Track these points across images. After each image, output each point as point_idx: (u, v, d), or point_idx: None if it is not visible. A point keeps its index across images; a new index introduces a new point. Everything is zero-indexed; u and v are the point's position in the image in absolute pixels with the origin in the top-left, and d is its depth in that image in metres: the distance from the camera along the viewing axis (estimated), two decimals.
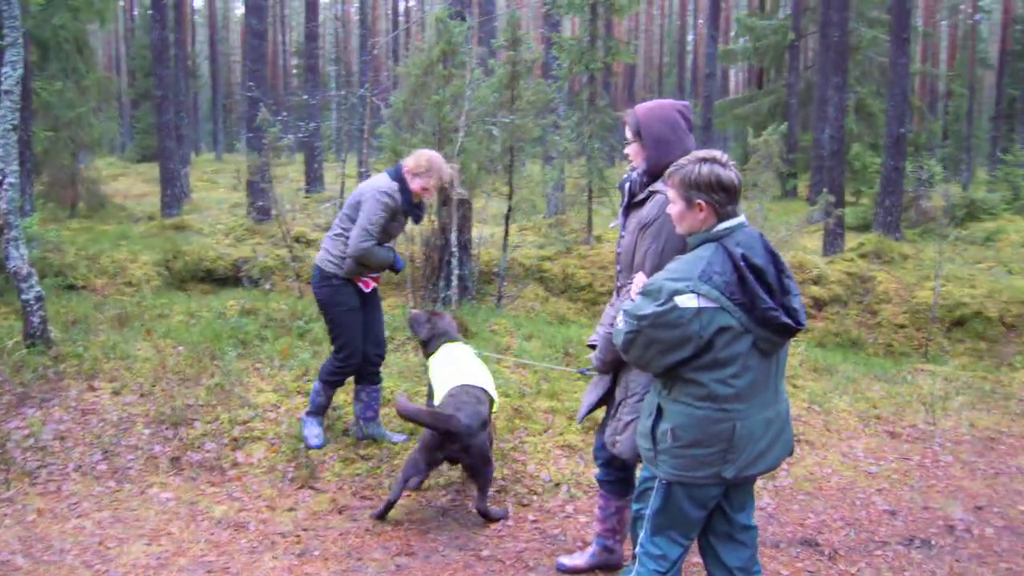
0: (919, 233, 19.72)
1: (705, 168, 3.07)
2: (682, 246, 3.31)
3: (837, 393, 7.58)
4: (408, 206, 5.41)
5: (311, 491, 5.06)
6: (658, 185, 3.53)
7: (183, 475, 5.22)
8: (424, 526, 4.68)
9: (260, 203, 14.77)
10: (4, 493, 4.90)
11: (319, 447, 5.53)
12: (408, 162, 5.37)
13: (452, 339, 5.42)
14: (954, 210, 19.54)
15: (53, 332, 6.82)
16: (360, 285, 5.51)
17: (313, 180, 24.02)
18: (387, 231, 5.40)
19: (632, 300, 3.22)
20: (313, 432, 5.61)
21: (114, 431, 5.61)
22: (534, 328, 8.69)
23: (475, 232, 10.96)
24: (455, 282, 8.04)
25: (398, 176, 5.37)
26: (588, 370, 5.03)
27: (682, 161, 3.15)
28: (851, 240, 17.27)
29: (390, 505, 4.72)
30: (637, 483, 3.36)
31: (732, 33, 38.38)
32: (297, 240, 11.52)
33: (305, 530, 4.59)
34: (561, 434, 5.94)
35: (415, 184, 5.32)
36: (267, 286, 11.71)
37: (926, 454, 6.35)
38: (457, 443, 4.58)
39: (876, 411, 7.17)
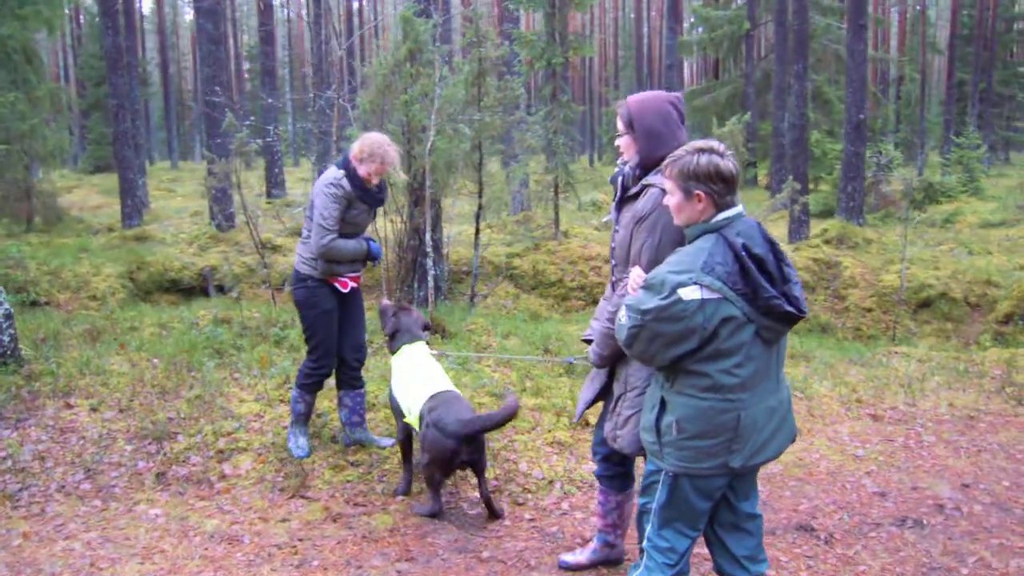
0: (880, 217, 20.02)
1: (703, 158, 3.05)
2: (678, 239, 3.29)
3: (817, 378, 7.64)
4: (361, 192, 5.25)
5: (303, 500, 4.98)
6: (652, 178, 3.50)
7: (170, 490, 5.11)
8: (421, 530, 4.62)
9: (229, 210, 14.57)
10: None
11: (304, 457, 5.44)
12: (353, 148, 5.27)
13: (415, 338, 5.27)
14: (913, 194, 19.82)
15: (23, 350, 6.67)
16: (337, 286, 5.39)
17: (275, 185, 23.76)
18: (352, 222, 5.30)
19: (631, 294, 3.20)
20: (298, 443, 5.52)
21: (95, 448, 5.48)
22: (511, 326, 8.66)
23: (443, 231, 10.90)
24: (431, 282, 7.97)
25: (344, 164, 5.26)
26: (575, 359, 5.02)
27: (679, 152, 3.13)
28: (815, 227, 17.46)
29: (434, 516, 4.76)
30: (642, 477, 3.33)
31: (686, 24, 38.61)
32: (263, 246, 11.36)
33: (301, 540, 4.51)
34: (550, 431, 5.91)
35: (361, 170, 5.19)
36: (234, 294, 11.55)
37: (909, 435, 6.42)
38: (474, 444, 4.61)
39: (857, 395, 7.24)
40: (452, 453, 4.56)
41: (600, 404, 4.01)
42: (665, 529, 3.23)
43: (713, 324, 2.95)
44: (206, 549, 4.43)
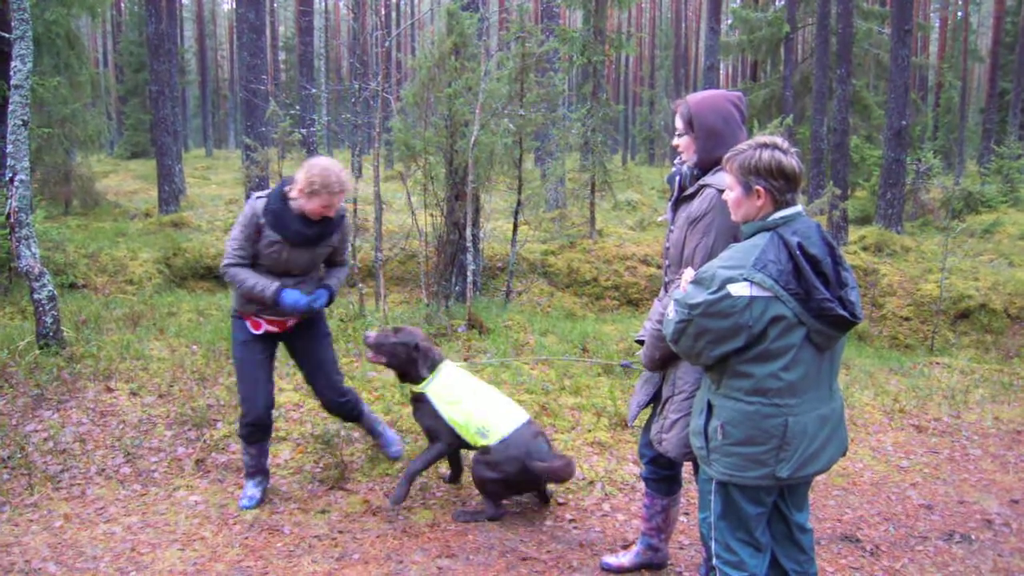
0: (918, 225, 19.75)
1: (766, 154, 2.98)
2: (732, 241, 3.22)
3: (858, 387, 7.54)
4: (274, 221, 4.42)
5: (342, 492, 4.96)
6: (709, 179, 3.44)
7: (209, 477, 5.11)
8: (462, 527, 4.58)
9: None
10: (28, 498, 4.78)
11: (249, 507, 4.72)
12: (299, 179, 4.40)
13: (438, 361, 4.82)
14: (953, 203, 19.54)
15: (66, 332, 6.69)
16: (247, 324, 4.65)
17: None
18: (268, 258, 4.49)
19: (684, 292, 3.14)
20: (247, 492, 4.81)
21: (135, 433, 5.49)
22: (548, 324, 8.61)
23: (481, 227, 10.86)
24: (469, 277, 7.94)
25: (275, 189, 4.51)
26: (631, 363, 4.90)
27: (741, 146, 3.06)
28: (852, 233, 17.26)
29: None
30: (699, 489, 3.26)
31: (724, 25, 38.31)
32: None
33: (341, 532, 4.48)
34: (589, 431, 5.86)
35: (310, 205, 4.39)
36: None
37: (955, 448, 6.30)
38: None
39: (899, 405, 7.12)
40: (529, 484, 4.70)
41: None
42: (730, 541, 3.15)
43: (762, 323, 2.87)
44: (246, 538, 4.41)
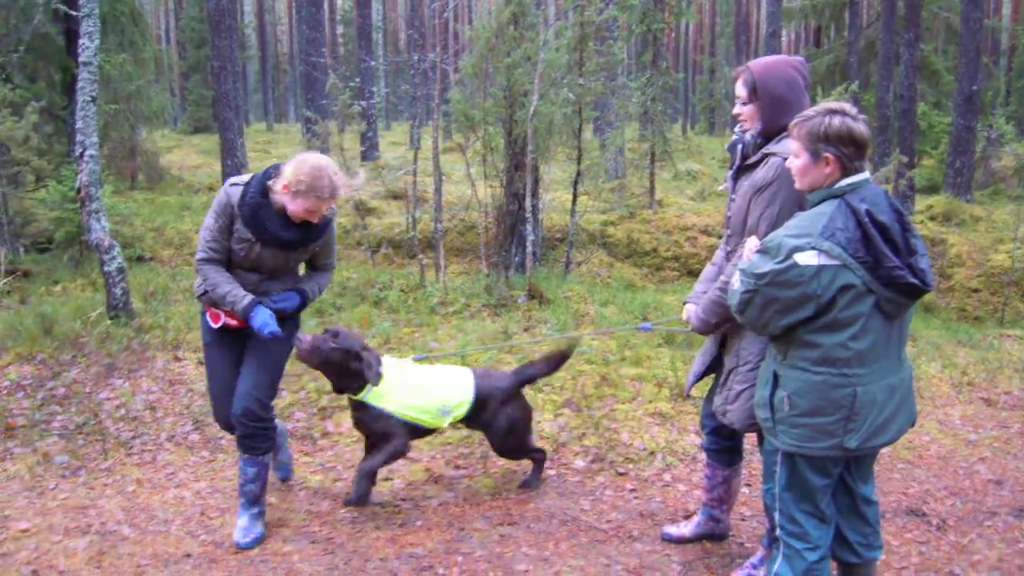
0: (989, 194, 19.19)
1: (836, 120, 2.92)
2: (798, 210, 3.17)
3: (925, 359, 7.37)
4: (249, 217, 3.87)
5: (404, 461, 5.01)
6: (773, 147, 3.37)
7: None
8: (523, 495, 4.61)
9: None
10: (103, 463, 4.94)
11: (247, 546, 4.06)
12: (287, 172, 3.85)
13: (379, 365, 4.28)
14: None
15: (134, 303, 6.86)
16: (207, 317, 4.15)
17: (369, 148, 23.99)
18: (238, 254, 3.97)
19: (747, 260, 3.10)
20: (240, 524, 4.14)
21: (203, 401, 5.61)
22: (608, 294, 8.58)
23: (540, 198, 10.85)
24: (529, 248, 7.94)
25: (256, 179, 3.94)
26: (651, 325, 4.74)
27: (809, 112, 2.99)
28: (919, 203, 16.86)
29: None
30: (763, 460, 3.23)
31: None
32: (356, 208, 11.46)
33: (403, 500, 4.55)
34: (651, 402, 5.83)
35: (293, 205, 3.84)
36: None
37: None
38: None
39: (968, 378, 6.96)
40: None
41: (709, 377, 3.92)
42: (794, 512, 3.11)
43: (831, 292, 2.82)
44: (311, 504, 4.49)
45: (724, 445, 3.92)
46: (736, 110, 3.54)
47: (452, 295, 7.58)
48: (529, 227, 8.11)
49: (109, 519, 4.28)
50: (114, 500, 4.51)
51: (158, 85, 22.40)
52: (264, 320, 3.91)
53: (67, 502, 4.50)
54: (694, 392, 4.93)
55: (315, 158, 3.88)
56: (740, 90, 3.48)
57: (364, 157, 21.76)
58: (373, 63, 18.61)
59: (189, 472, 4.87)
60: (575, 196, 10.65)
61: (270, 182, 3.90)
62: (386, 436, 4.26)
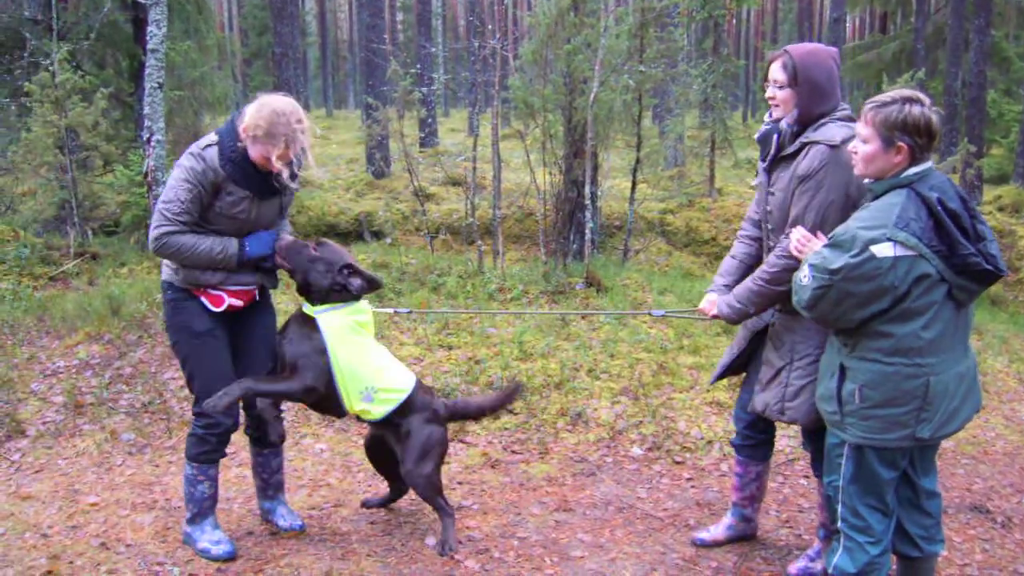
0: None
1: (916, 109, 2.87)
2: (843, 201, 3.19)
3: (991, 353, 7.22)
4: (237, 172, 3.52)
5: (462, 445, 5.05)
6: (814, 135, 3.30)
7: (334, 427, 5.28)
8: (579, 482, 4.62)
9: (387, 157, 14.89)
10: (167, 441, 5.05)
11: (226, 557, 3.74)
12: (245, 117, 3.50)
13: (351, 297, 3.83)
14: None
15: None
16: (204, 301, 3.67)
17: (428, 134, 24.12)
18: (228, 215, 3.58)
19: (797, 254, 3.13)
20: (212, 538, 3.79)
21: None
22: (666, 283, 8.52)
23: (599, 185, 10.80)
24: (587, 235, 7.92)
25: (227, 132, 3.55)
26: (664, 312, 4.60)
27: (884, 98, 2.94)
28: (987, 193, 16.45)
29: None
30: (826, 453, 3.18)
31: None
32: (415, 194, 11.53)
33: (460, 484, 4.58)
34: (708, 391, 5.79)
35: (254, 151, 3.50)
36: (388, 240, 11.81)
37: None
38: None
39: None
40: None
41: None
42: (858, 505, 3.07)
43: (907, 284, 2.79)
44: (369, 486, 4.55)
45: (759, 439, 3.85)
46: (769, 93, 3.45)
47: (510, 282, 7.59)
48: (588, 214, 8.09)
49: (174, 496, 4.38)
50: (178, 477, 4.60)
51: (221, 72, 22.69)
52: (264, 242, 3.67)
53: (134, 478, 4.61)
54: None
55: (277, 101, 3.49)
56: (779, 74, 3.39)
57: (423, 143, 21.86)
58: (433, 50, 18.66)
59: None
60: (634, 184, 10.58)
61: (236, 136, 3.54)
62: (295, 369, 3.70)
